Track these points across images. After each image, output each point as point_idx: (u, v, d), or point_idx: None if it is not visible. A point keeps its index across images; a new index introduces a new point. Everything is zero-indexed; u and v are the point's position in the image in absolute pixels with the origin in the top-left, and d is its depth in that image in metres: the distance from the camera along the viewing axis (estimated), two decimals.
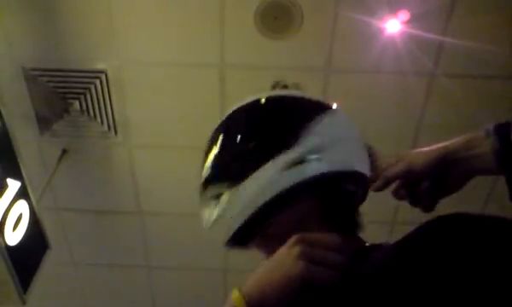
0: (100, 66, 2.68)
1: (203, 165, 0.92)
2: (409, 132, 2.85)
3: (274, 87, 0.99)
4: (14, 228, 2.36)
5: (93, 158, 3.08)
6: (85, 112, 2.84)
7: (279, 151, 0.82)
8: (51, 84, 2.73)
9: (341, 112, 0.92)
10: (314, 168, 0.81)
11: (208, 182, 0.89)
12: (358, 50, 2.59)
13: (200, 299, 3.64)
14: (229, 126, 0.92)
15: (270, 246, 0.82)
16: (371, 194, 0.94)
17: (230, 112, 0.93)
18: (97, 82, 2.72)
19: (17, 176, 2.51)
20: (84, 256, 3.62)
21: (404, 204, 0.96)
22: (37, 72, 2.70)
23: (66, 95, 2.78)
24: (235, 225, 0.83)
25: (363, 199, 0.92)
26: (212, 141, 0.92)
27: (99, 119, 2.86)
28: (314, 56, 2.63)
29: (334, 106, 0.92)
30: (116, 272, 3.69)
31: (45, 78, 2.71)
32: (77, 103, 2.81)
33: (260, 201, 0.81)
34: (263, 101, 0.92)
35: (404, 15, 2.47)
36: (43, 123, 2.88)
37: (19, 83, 2.73)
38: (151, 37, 2.61)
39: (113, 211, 3.32)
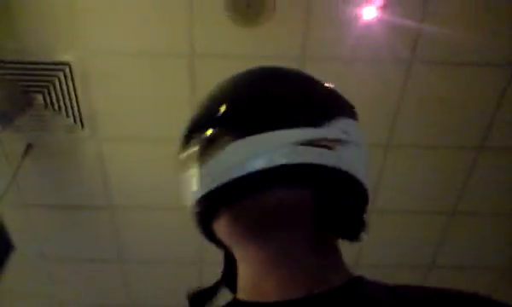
0: (63, 57, 2.52)
1: (200, 110, 0.77)
2: (386, 120, 2.79)
3: None
4: None
5: (60, 152, 2.94)
6: (50, 106, 2.69)
7: (306, 123, 0.70)
8: (9, 77, 2.57)
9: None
10: (331, 158, 0.70)
11: (209, 124, 0.72)
12: (334, 38, 2.50)
13: (175, 292, 3.57)
14: (262, 76, 0.79)
15: (241, 228, 0.71)
16: None
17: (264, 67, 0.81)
18: (61, 74, 2.56)
19: None
20: (54, 252, 3.50)
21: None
22: None
23: (28, 89, 2.62)
24: (225, 178, 0.67)
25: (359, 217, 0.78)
26: (228, 86, 0.78)
27: (64, 113, 2.72)
28: (288, 44, 2.53)
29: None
30: (87, 267, 3.59)
31: (3, 71, 2.54)
32: (40, 97, 2.65)
33: (260, 165, 0.67)
34: (306, 72, 0.82)
35: (379, 0, 2.39)
36: (5, 117, 2.72)
37: None
38: (116, 25, 2.47)
39: (82, 205, 3.20)
